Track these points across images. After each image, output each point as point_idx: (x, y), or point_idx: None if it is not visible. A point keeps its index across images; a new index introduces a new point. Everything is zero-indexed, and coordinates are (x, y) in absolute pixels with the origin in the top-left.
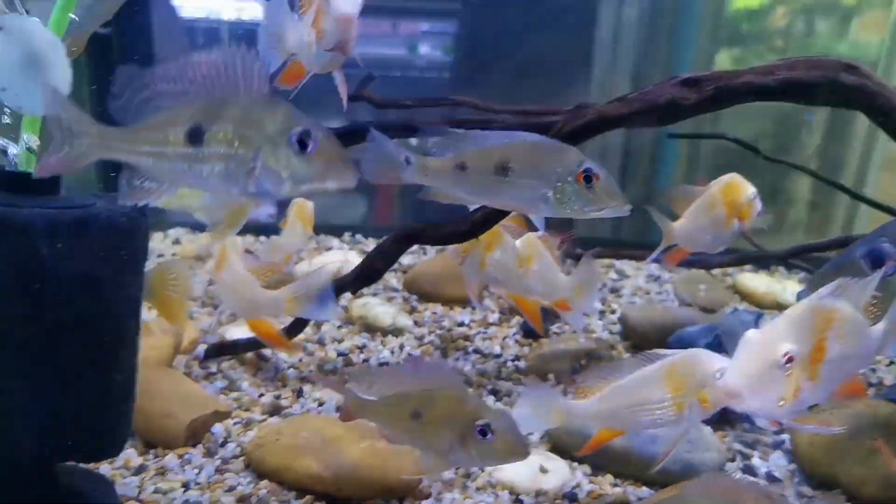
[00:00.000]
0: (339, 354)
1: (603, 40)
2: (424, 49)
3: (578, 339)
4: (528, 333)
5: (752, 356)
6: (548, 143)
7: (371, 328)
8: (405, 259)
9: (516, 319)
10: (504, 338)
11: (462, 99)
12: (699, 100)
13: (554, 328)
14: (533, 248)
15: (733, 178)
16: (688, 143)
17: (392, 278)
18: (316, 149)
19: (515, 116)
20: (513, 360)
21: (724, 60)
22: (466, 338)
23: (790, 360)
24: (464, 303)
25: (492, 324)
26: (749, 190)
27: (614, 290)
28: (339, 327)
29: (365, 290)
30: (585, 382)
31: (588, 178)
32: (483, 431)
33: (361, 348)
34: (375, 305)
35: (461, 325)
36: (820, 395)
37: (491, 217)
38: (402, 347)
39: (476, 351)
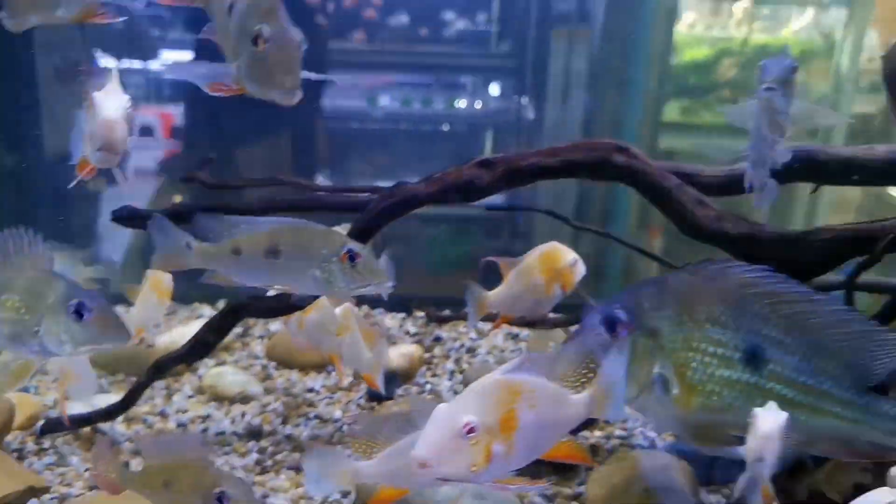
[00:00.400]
0: (179, 425)
1: (554, 93)
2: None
3: (415, 400)
4: (373, 397)
5: (438, 428)
6: (313, 227)
7: (220, 397)
8: (273, 325)
9: (365, 385)
10: (348, 402)
11: (288, 179)
12: (492, 179)
13: (400, 391)
14: (348, 319)
15: (552, 246)
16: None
17: (257, 345)
18: (91, 316)
19: (334, 195)
20: (350, 425)
21: (672, 111)
22: (311, 404)
23: (472, 430)
24: (320, 368)
25: (342, 388)
26: (568, 257)
27: (470, 350)
28: (190, 397)
29: (227, 358)
30: (353, 434)
31: (352, 257)
32: (220, 499)
33: (205, 418)
34: (228, 374)
35: (311, 390)
36: (520, 460)
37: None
38: (243, 416)
39: (317, 416)
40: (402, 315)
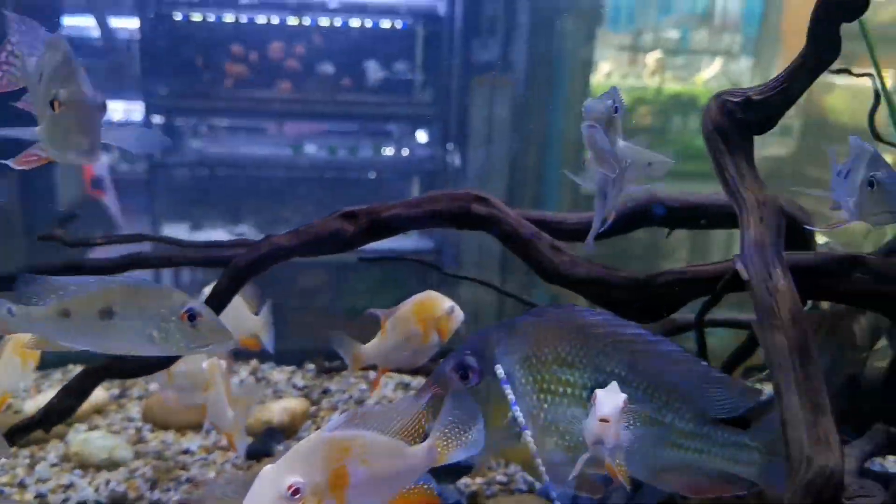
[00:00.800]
0: (38, 496)
1: (477, 139)
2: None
3: None
4: (251, 455)
5: (262, 492)
6: (150, 287)
7: (85, 464)
8: (153, 385)
9: (248, 440)
10: (224, 462)
11: (154, 235)
12: (356, 231)
13: (280, 447)
14: (213, 375)
15: (427, 295)
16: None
17: (134, 406)
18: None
19: (199, 250)
20: (223, 487)
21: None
22: (184, 466)
23: (296, 491)
24: (198, 427)
25: (220, 447)
26: (445, 305)
27: (359, 402)
28: (54, 465)
29: (100, 422)
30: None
31: (191, 316)
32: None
33: (67, 488)
34: (95, 439)
35: (186, 452)
36: None
37: None
38: (107, 483)
39: (189, 479)
40: (293, 368)
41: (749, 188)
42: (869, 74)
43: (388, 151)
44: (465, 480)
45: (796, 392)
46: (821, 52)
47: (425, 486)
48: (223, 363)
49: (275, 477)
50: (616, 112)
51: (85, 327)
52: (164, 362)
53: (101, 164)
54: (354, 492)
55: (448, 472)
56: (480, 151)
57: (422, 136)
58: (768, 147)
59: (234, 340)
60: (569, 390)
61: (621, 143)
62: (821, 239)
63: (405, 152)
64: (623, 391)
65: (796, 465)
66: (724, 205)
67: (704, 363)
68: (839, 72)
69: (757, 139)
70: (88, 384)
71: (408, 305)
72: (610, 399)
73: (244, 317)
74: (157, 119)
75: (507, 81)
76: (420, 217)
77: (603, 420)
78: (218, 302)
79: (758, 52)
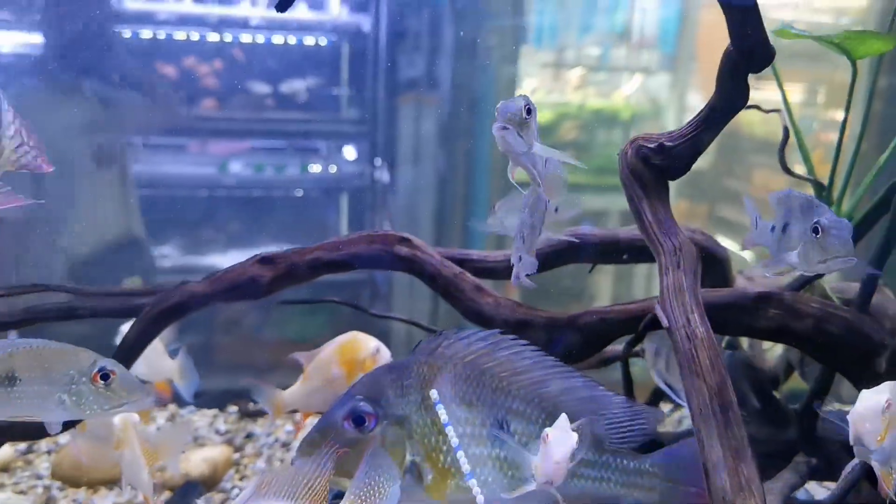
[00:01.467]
0: None
1: (405, 157)
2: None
3: None
4: None
5: None
6: (56, 348)
7: None
8: (63, 438)
9: (165, 495)
10: None
11: (55, 285)
12: (275, 276)
13: (200, 501)
14: (127, 432)
15: (352, 336)
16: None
17: (42, 462)
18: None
19: (107, 299)
20: None
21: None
22: None
23: None
24: (111, 484)
25: None
26: (369, 346)
27: (285, 445)
28: None
29: (6, 481)
30: None
31: (105, 376)
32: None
33: None
34: (1, 502)
35: None
36: None
37: None
38: None
39: None
40: (214, 411)
41: (666, 233)
42: (777, 111)
43: (316, 169)
44: None
45: (717, 439)
46: (730, 100)
47: None
48: (136, 417)
49: None
50: (529, 114)
51: None
52: (74, 421)
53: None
54: None
55: None
56: (408, 168)
57: (349, 153)
58: None
59: (151, 399)
60: (468, 430)
61: (537, 145)
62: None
63: (332, 169)
64: (521, 426)
65: None
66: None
67: (602, 390)
68: (750, 107)
69: None
70: None
71: (331, 347)
72: (562, 441)
73: (158, 360)
74: None
75: (433, 99)
76: (340, 260)
77: (556, 463)
78: (129, 353)
79: (675, 69)
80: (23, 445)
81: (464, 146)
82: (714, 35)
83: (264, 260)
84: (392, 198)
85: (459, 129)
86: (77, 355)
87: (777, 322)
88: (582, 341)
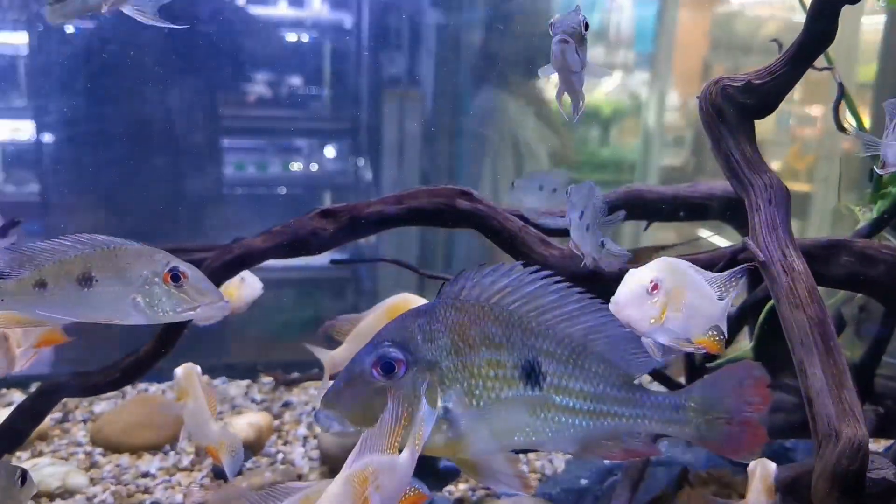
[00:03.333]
0: None
1: (389, 152)
2: None
3: (264, 473)
4: (219, 474)
5: None
6: (131, 248)
7: (36, 494)
8: (98, 407)
9: (210, 460)
10: (190, 484)
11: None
12: (337, 229)
13: (248, 464)
14: (191, 382)
15: (402, 297)
16: None
17: (79, 430)
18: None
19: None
20: None
21: (507, 168)
22: (146, 490)
23: None
24: (155, 449)
25: (182, 468)
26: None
27: None
28: None
29: (44, 449)
30: None
31: (175, 276)
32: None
33: None
34: (46, 467)
35: (146, 475)
36: None
37: (144, 362)
38: None
39: (154, 503)
40: (247, 382)
41: (756, 171)
42: (830, 68)
43: (298, 167)
44: (448, 488)
45: (819, 367)
46: (818, 37)
47: (415, 490)
48: (199, 368)
49: None
50: (586, 28)
51: (63, 297)
52: (131, 376)
53: None
54: None
55: (435, 479)
56: (392, 165)
57: (331, 150)
58: (665, 157)
59: (225, 304)
60: (499, 372)
61: (590, 63)
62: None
63: (314, 167)
64: (553, 367)
65: (824, 438)
66: (698, 195)
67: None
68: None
69: (653, 149)
70: (43, 404)
71: (381, 309)
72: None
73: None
74: (49, 137)
75: (416, 94)
76: (401, 215)
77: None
78: None
79: (653, 67)
80: (58, 414)
81: (448, 140)
82: (691, 35)
83: (325, 213)
84: (376, 193)
85: (444, 123)
86: (152, 256)
87: (849, 269)
88: None
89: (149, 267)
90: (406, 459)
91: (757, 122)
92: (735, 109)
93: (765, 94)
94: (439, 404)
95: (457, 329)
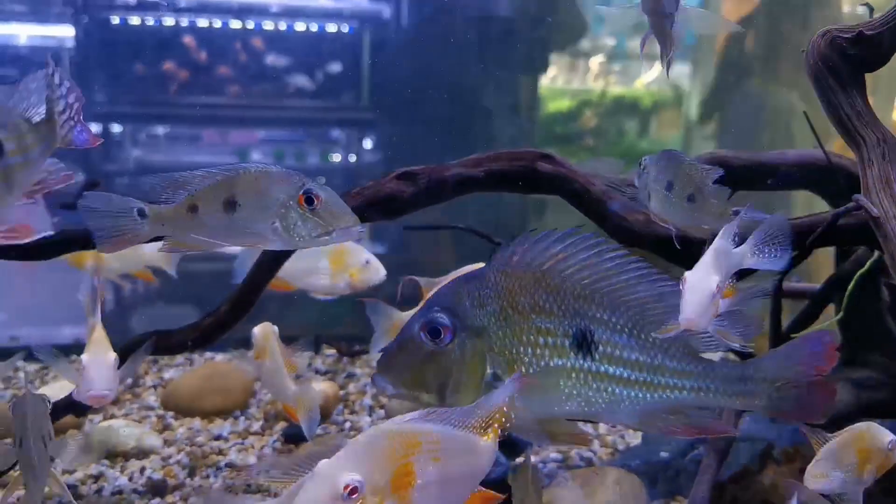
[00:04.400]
0: (69, 487)
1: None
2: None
3: (334, 438)
4: (290, 439)
5: (315, 491)
6: (272, 171)
7: (112, 454)
8: (167, 373)
9: (280, 425)
10: (262, 447)
11: None
12: (415, 192)
13: (318, 430)
14: (268, 340)
15: (476, 267)
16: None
17: (149, 395)
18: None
19: None
20: (267, 471)
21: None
22: (220, 452)
23: (353, 491)
24: (226, 414)
25: (253, 433)
26: None
27: None
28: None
29: (116, 412)
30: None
31: (309, 199)
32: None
33: (97, 478)
34: (120, 428)
35: (218, 438)
36: None
37: (223, 323)
38: (142, 471)
39: (229, 465)
40: (310, 353)
41: (867, 125)
42: None
43: (336, 158)
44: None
45: None
46: None
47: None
48: (276, 328)
49: (330, 474)
50: None
51: (211, 222)
52: (210, 337)
53: None
54: (422, 494)
55: (507, 450)
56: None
57: (369, 142)
58: (706, 149)
59: (362, 229)
60: (549, 340)
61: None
62: None
63: (352, 158)
64: (606, 336)
65: None
66: (789, 162)
67: None
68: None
69: (693, 142)
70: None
71: (455, 275)
72: (701, 281)
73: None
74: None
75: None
76: (481, 178)
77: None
78: (261, 277)
79: (696, 57)
80: (129, 379)
81: (487, 133)
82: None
83: (404, 175)
84: None
85: (483, 115)
86: (289, 179)
87: None
88: None
89: (285, 190)
90: (489, 444)
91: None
92: (845, 62)
93: (877, 44)
94: (488, 370)
95: (506, 295)
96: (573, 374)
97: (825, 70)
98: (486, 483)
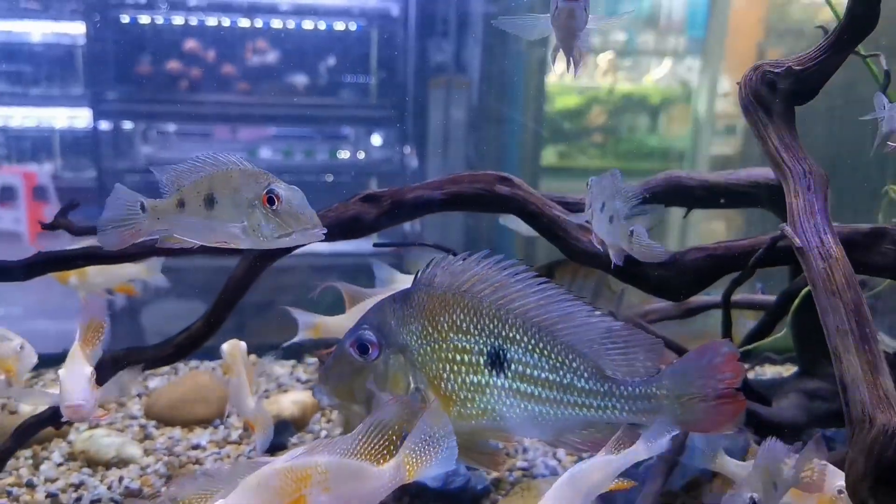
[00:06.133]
0: (49, 496)
1: (435, 140)
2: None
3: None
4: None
5: None
6: (244, 169)
7: (93, 462)
8: (152, 382)
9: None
10: (238, 456)
11: None
12: (379, 213)
13: (294, 439)
14: (235, 359)
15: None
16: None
17: (134, 404)
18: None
19: None
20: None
21: (549, 155)
22: (197, 461)
23: None
24: (206, 423)
25: (231, 442)
26: None
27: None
28: (60, 464)
29: (101, 421)
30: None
31: (270, 199)
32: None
33: (78, 486)
34: (101, 437)
35: (196, 447)
36: None
37: (196, 339)
38: (121, 480)
39: (205, 473)
40: (293, 362)
41: (795, 157)
42: (876, 55)
43: (344, 155)
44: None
45: (855, 353)
46: (860, 23)
47: None
48: (244, 345)
49: None
50: None
51: (194, 217)
52: (183, 352)
53: (45, 173)
54: None
55: None
56: (438, 152)
57: (377, 138)
58: (715, 146)
59: (321, 231)
60: (466, 358)
61: (591, 20)
62: None
63: (361, 155)
64: (519, 355)
65: (858, 424)
66: (741, 182)
67: (600, 315)
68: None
69: (703, 138)
70: (105, 376)
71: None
72: None
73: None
74: (105, 125)
75: (463, 83)
76: (442, 199)
77: None
78: (234, 293)
79: (704, 53)
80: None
81: (494, 129)
82: (745, 21)
83: (368, 198)
84: (421, 181)
85: (490, 111)
86: (257, 178)
87: (892, 258)
88: (689, 279)
89: (253, 189)
90: (391, 471)
91: None
92: (775, 95)
93: (806, 79)
94: (411, 384)
95: (428, 314)
96: (487, 391)
97: (756, 103)
98: (446, 494)
